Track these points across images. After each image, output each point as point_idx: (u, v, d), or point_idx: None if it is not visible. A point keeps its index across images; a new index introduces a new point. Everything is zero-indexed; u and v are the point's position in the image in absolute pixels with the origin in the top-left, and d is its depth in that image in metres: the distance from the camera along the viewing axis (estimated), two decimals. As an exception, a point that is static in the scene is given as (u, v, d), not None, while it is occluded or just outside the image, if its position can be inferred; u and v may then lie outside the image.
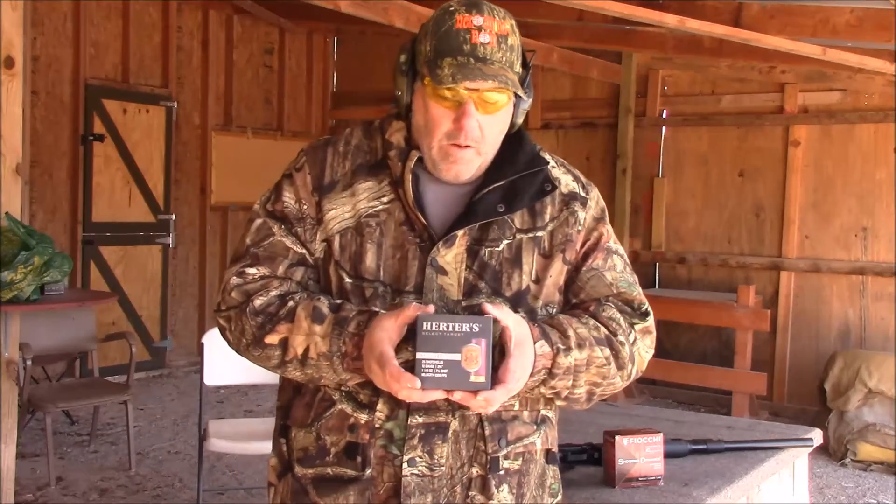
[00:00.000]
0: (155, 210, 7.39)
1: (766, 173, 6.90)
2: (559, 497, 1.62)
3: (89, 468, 4.92)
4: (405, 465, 1.44)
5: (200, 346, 3.85)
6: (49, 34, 6.69)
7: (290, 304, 1.46)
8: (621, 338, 1.51)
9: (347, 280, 1.48)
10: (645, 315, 1.57)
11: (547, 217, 1.54)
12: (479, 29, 1.43)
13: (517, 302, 1.49)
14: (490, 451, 1.48)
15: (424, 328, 1.33)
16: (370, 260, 1.47)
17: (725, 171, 7.08)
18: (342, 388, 1.48)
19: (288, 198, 1.54)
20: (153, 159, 7.36)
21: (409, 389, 1.34)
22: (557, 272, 1.54)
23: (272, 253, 1.52)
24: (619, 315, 1.53)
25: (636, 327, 1.54)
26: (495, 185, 1.49)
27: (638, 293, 1.59)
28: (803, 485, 2.42)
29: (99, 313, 5.63)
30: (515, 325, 1.39)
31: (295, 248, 1.52)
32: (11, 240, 4.05)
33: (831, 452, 5.50)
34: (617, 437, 1.88)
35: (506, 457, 1.49)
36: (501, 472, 1.49)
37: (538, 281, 1.52)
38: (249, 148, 8.06)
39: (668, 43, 6.57)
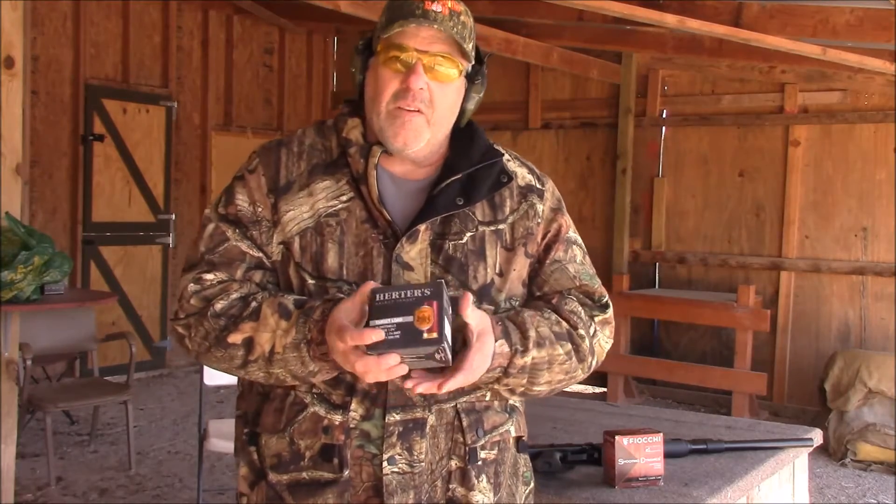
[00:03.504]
0: (155, 210, 7.39)
1: (766, 173, 6.90)
2: (531, 485, 1.64)
3: (89, 468, 4.92)
4: (385, 463, 1.44)
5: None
6: (49, 34, 6.69)
7: (254, 304, 1.44)
8: (581, 331, 1.53)
9: (310, 281, 1.47)
10: (605, 307, 1.60)
11: (507, 210, 1.56)
12: (432, 0, 1.46)
13: (482, 295, 1.50)
14: (469, 441, 1.49)
15: (377, 299, 1.32)
16: (332, 259, 1.47)
17: (725, 171, 7.08)
18: (314, 390, 1.46)
19: (241, 200, 1.52)
20: (153, 159, 7.36)
21: (372, 365, 1.29)
22: (521, 266, 1.56)
23: (228, 258, 1.50)
24: (580, 308, 1.56)
25: (596, 319, 1.57)
26: (453, 178, 1.52)
27: (598, 285, 1.62)
28: (803, 485, 2.42)
29: (99, 313, 5.63)
30: (479, 319, 1.39)
31: (251, 252, 1.50)
32: (11, 240, 4.05)
33: (831, 452, 5.50)
34: (617, 437, 1.88)
35: (482, 447, 1.51)
36: (479, 463, 1.50)
37: (502, 274, 1.53)
38: (249, 148, 7.89)
39: (668, 43, 6.57)
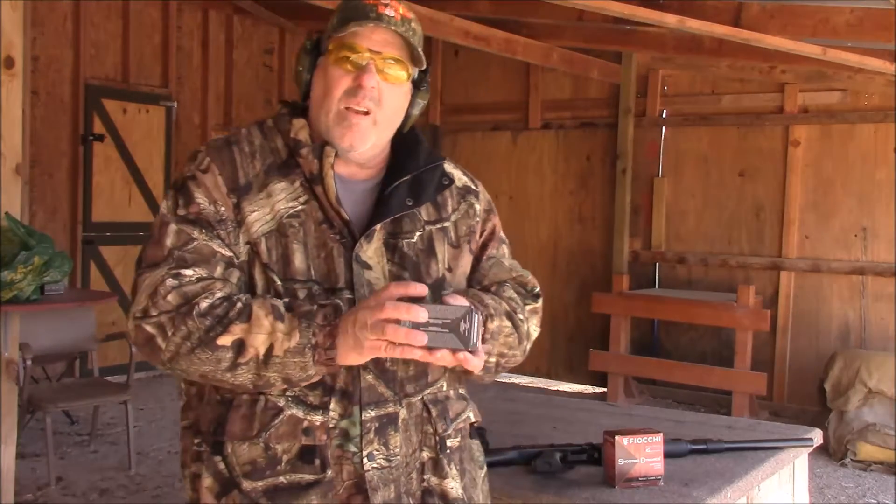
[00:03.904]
0: (155, 210, 7.37)
1: (766, 173, 6.90)
2: (485, 468, 1.69)
3: (89, 468, 4.92)
4: (365, 460, 1.46)
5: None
6: (49, 34, 6.69)
7: (240, 304, 1.41)
8: (520, 315, 1.61)
9: (278, 282, 1.46)
10: (537, 297, 1.68)
11: (449, 209, 1.63)
12: (385, 5, 1.50)
13: (436, 291, 1.55)
14: (440, 431, 1.55)
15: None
16: (299, 261, 1.47)
17: (725, 171, 7.08)
18: (288, 393, 1.45)
19: (201, 200, 1.48)
20: (153, 159, 7.37)
21: (400, 335, 1.32)
22: (466, 262, 1.64)
23: (203, 255, 1.45)
24: (516, 295, 1.64)
25: (527, 307, 1.64)
26: (402, 179, 1.56)
27: (531, 276, 1.71)
28: (803, 485, 2.42)
29: (99, 313, 5.62)
30: (462, 298, 1.46)
31: (222, 251, 1.46)
32: (11, 240, 4.05)
33: (831, 452, 5.50)
34: (617, 437, 1.88)
35: (449, 436, 1.57)
36: (448, 451, 1.56)
37: (451, 270, 1.60)
38: (249, 148, 8.05)
39: (668, 43, 6.58)
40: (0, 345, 3.94)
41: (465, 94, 8.30)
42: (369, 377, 1.47)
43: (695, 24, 4.88)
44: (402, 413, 1.51)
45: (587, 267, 7.67)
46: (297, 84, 1.57)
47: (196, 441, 1.52)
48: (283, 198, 1.50)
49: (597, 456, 1.96)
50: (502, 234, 1.72)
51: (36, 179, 6.56)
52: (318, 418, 1.45)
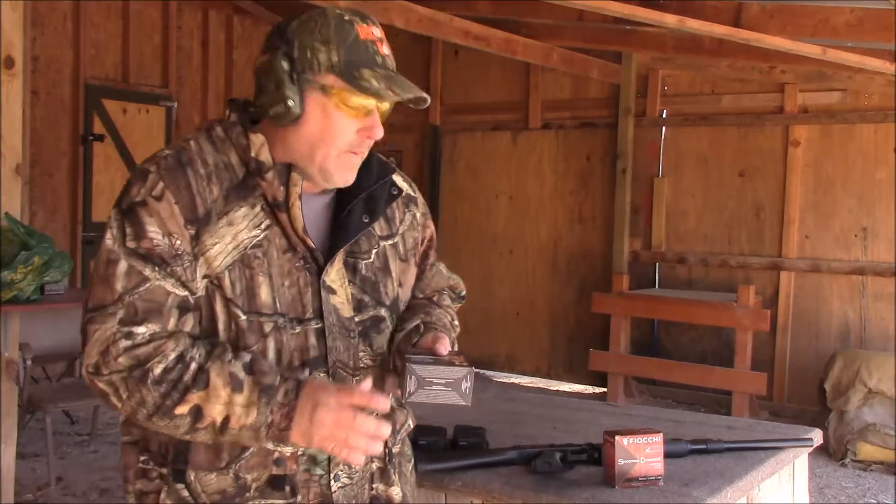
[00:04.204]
0: (155, 210, 7.39)
1: (766, 173, 6.90)
2: (413, 461, 1.74)
3: (89, 468, 4.92)
4: (332, 482, 1.49)
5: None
6: (49, 34, 6.69)
7: (194, 366, 1.35)
8: (455, 322, 1.71)
9: (242, 317, 1.41)
10: (462, 298, 1.78)
11: (398, 221, 1.62)
12: (381, 41, 1.47)
13: (393, 309, 1.58)
14: (389, 444, 1.58)
15: (412, 352, 1.49)
16: (265, 294, 1.42)
17: (725, 171, 7.08)
18: None
19: (153, 232, 1.38)
20: (153, 159, 7.36)
21: (366, 426, 1.34)
22: (412, 275, 1.64)
23: (155, 303, 1.37)
24: (450, 302, 1.74)
25: (453, 308, 1.75)
26: (359, 197, 1.52)
27: (461, 281, 1.79)
28: (803, 485, 2.42)
29: (99, 313, 5.62)
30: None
31: (176, 291, 1.38)
32: (11, 240, 4.05)
33: (831, 452, 5.50)
34: (617, 437, 1.88)
35: (395, 444, 1.61)
36: (395, 460, 1.61)
37: (401, 285, 1.61)
38: (249, 148, 8.05)
39: (668, 43, 6.57)
40: (0, 345, 3.94)
41: (465, 94, 8.30)
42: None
43: (695, 24, 4.88)
44: None
45: (587, 267, 7.67)
46: (274, 108, 1.42)
47: (143, 458, 1.48)
48: (245, 226, 1.42)
49: (597, 456, 1.96)
50: (435, 238, 1.74)
51: (36, 179, 6.56)
52: (287, 449, 1.44)
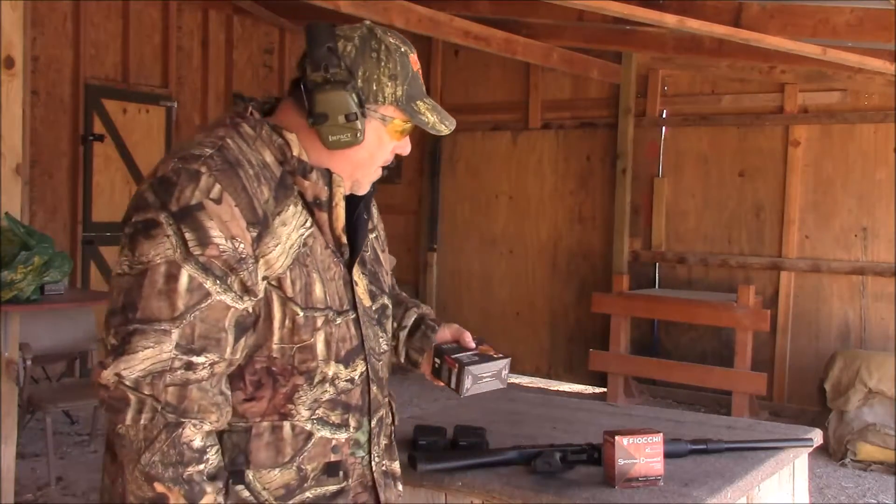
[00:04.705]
0: (155, 210, 7.39)
1: (766, 173, 6.90)
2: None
3: (89, 468, 4.91)
4: (374, 463, 1.57)
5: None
6: (49, 34, 6.69)
7: (199, 468, 1.34)
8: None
9: (300, 314, 1.43)
10: None
11: (375, 215, 1.71)
12: (419, 68, 1.55)
13: (390, 296, 1.69)
14: (395, 421, 1.70)
15: (445, 346, 1.72)
16: (319, 289, 1.46)
17: (725, 171, 7.08)
18: (313, 417, 1.48)
19: (217, 238, 1.34)
20: (153, 159, 7.30)
21: None
22: (388, 262, 1.74)
23: (213, 325, 1.34)
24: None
25: None
26: (368, 193, 1.60)
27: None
28: (803, 485, 2.42)
29: (99, 313, 5.61)
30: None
31: (236, 305, 1.36)
32: (11, 240, 4.05)
33: (831, 452, 5.50)
34: (617, 437, 1.88)
35: (396, 421, 1.72)
36: (393, 436, 1.70)
37: (388, 273, 1.72)
38: (249, 148, 8.05)
39: (668, 43, 6.57)
40: (0, 345, 3.94)
41: (465, 94, 8.30)
42: (374, 388, 1.56)
43: (695, 24, 4.88)
44: (383, 411, 1.62)
45: (587, 267, 7.67)
46: (337, 136, 1.45)
47: (230, 469, 1.45)
48: (294, 225, 1.44)
49: (597, 456, 1.96)
50: None
51: (36, 179, 6.56)
52: (342, 436, 1.51)
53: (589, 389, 7.43)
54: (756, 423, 2.60)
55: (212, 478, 1.37)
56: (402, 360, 1.78)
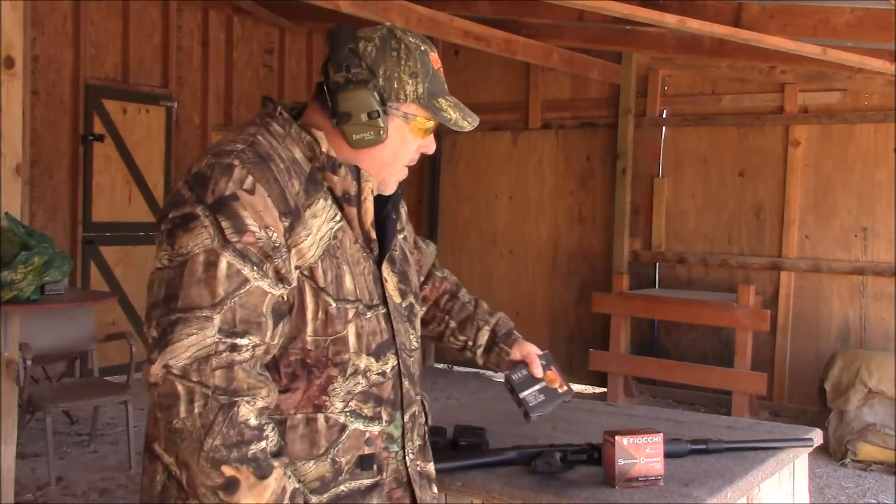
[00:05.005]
0: (155, 210, 7.39)
1: (766, 173, 6.90)
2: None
3: (89, 468, 4.92)
4: (408, 458, 1.58)
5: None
6: (49, 34, 6.69)
7: (264, 445, 1.34)
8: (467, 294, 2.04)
9: (333, 305, 1.45)
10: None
11: (403, 216, 1.71)
12: (440, 66, 1.58)
13: (417, 296, 1.68)
14: (429, 421, 1.71)
15: (515, 378, 1.87)
16: (349, 281, 1.48)
17: (725, 171, 7.08)
18: (346, 409, 1.49)
19: (252, 226, 1.37)
20: (153, 159, 7.36)
21: None
22: (416, 262, 1.76)
23: (253, 309, 1.36)
24: (447, 273, 2.01)
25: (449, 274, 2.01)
26: (395, 192, 1.62)
27: (429, 243, 1.98)
28: (803, 485, 2.42)
29: (99, 313, 5.63)
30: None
31: (273, 291, 1.38)
32: (11, 240, 4.05)
33: (831, 452, 5.50)
34: (617, 437, 1.88)
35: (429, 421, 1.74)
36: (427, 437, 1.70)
37: (416, 273, 1.73)
38: (249, 148, 8.04)
39: (668, 43, 6.57)
40: (0, 345, 3.94)
41: (465, 94, 8.28)
42: (406, 383, 1.57)
43: (695, 24, 4.88)
44: (415, 408, 1.62)
45: (587, 267, 7.67)
46: (361, 134, 1.49)
47: None
48: (324, 218, 1.46)
49: (597, 456, 1.96)
50: None
51: (36, 179, 6.56)
52: (375, 429, 1.52)
53: (589, 389, 7.43)
54: (756, 423, 2.59)
55: (275, 455, 1.37)
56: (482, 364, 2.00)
